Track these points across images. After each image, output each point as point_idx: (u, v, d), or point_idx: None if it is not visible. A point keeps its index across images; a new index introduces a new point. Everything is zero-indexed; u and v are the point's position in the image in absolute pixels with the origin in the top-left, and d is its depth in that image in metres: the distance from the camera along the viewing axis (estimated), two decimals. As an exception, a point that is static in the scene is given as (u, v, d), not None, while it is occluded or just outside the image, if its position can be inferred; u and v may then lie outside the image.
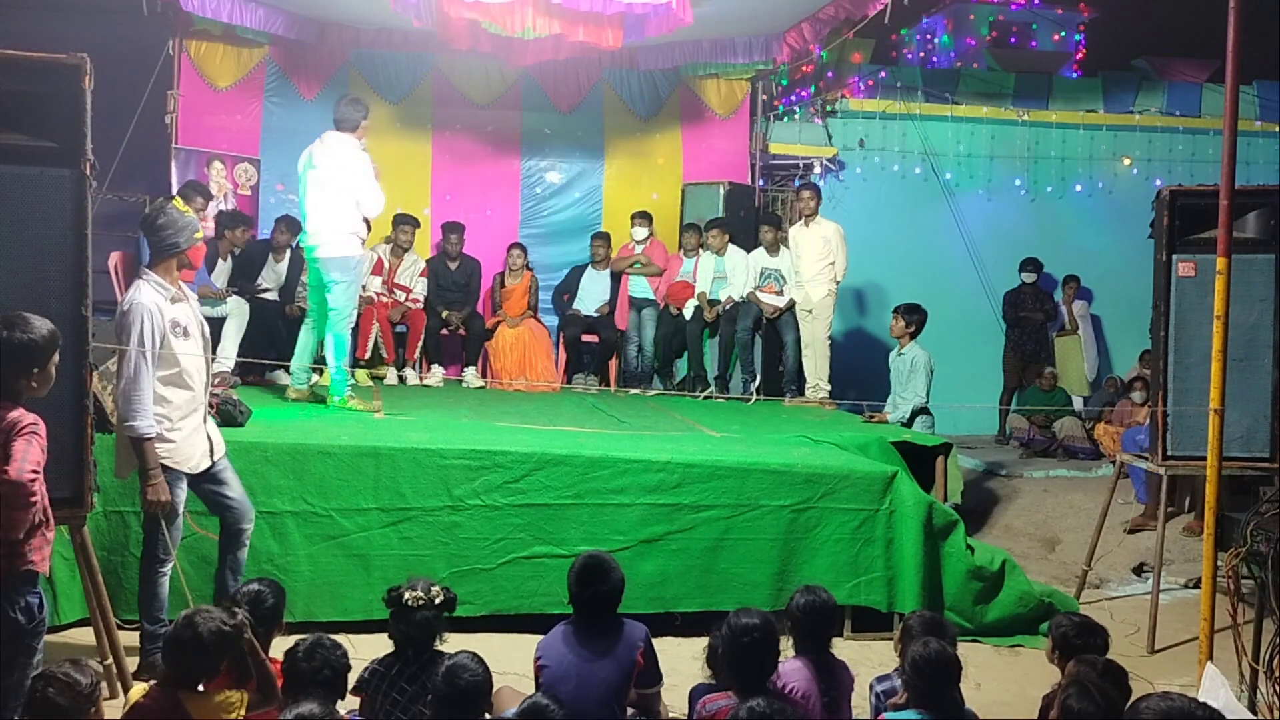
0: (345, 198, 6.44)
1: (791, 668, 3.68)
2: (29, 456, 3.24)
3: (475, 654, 3.25)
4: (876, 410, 7.53)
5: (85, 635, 4.61)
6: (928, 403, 7.36)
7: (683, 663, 4.77)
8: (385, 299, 8.56)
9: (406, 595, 3.53)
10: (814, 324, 8.41)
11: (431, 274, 8.83)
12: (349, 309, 6.61)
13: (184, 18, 8.62)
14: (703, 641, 3.82)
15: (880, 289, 10.87)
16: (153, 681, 3.23)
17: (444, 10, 7.59)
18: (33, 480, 3.25)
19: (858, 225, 10.37)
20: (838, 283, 8.45)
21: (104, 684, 3.36)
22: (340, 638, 4.82)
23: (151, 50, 8.78)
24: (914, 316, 7.51)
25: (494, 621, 5.27)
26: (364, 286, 8.03)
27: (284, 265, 8.23)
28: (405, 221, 8.74)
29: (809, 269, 8.43)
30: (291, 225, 8.07)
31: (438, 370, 8.65)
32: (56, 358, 3.50)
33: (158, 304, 4.36)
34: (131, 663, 4.43)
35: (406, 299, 8.63)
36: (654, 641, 3.80)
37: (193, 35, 8.95)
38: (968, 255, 11.02)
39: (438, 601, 3.55)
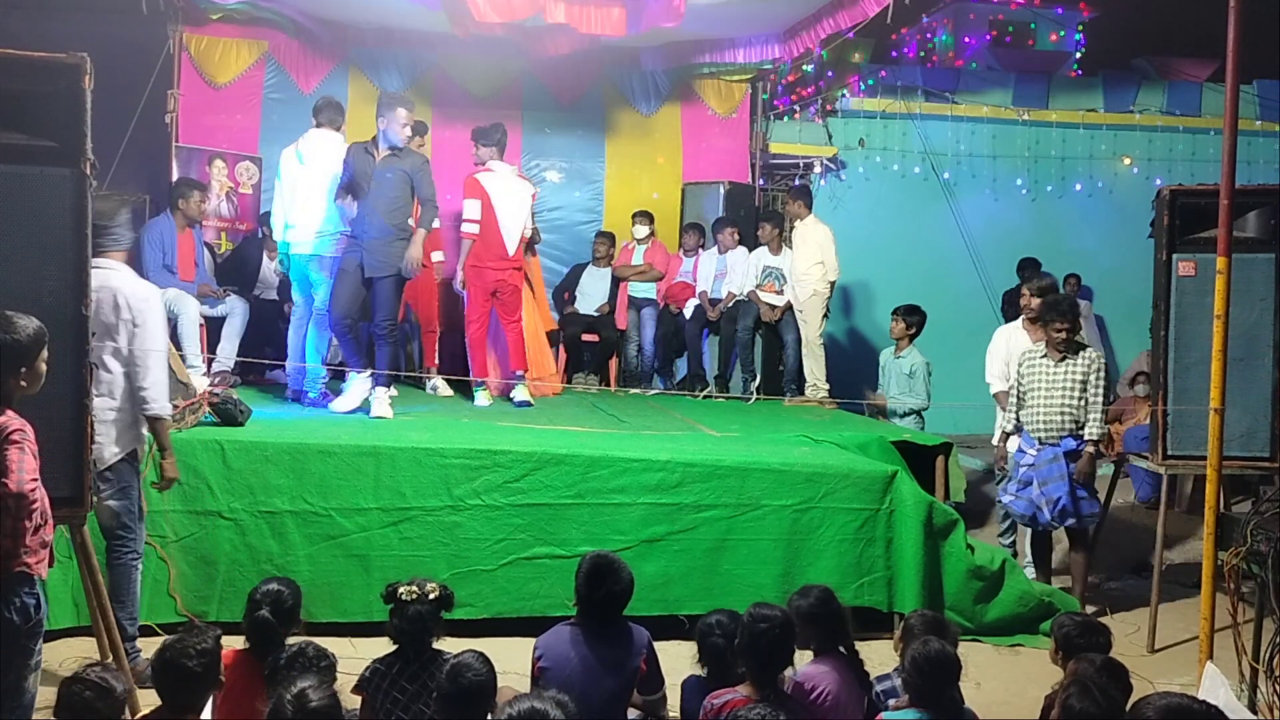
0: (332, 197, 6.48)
1: (817, 671, 3.68)
2: (25, 465, 3.27)
3: (481, 653, 3.24)
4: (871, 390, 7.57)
5: (82, 643, 4.63)
6: (929, 405, 7.38)
7: (684, 663, 4.75)
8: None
9: (401, 589, 3.55)
10: (802, 326, 8.43)
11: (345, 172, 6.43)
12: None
13: (191, 8, 8.63)
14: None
15: (880, 289, 10.86)
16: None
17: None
18: (33, 489, 3.29)
19: (858, 225, 10.39)
20: (831, 284, 8.46)
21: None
22: (340, 637, 4.89)
23: (151, 49, 8.77)
24: (914, 318, 7.53)
25: (494, 624, 5.26)
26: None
27: (278, 264, 8.19)
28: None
29: (796, 269, 8.46)
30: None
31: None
32: (45, 354, 3.48)
33: None
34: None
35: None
36: (659, 644, 3.81)
37: (194, 24, 8.91)
38: (968, 255, 11.02)
39: (432, 597, 3.55)
